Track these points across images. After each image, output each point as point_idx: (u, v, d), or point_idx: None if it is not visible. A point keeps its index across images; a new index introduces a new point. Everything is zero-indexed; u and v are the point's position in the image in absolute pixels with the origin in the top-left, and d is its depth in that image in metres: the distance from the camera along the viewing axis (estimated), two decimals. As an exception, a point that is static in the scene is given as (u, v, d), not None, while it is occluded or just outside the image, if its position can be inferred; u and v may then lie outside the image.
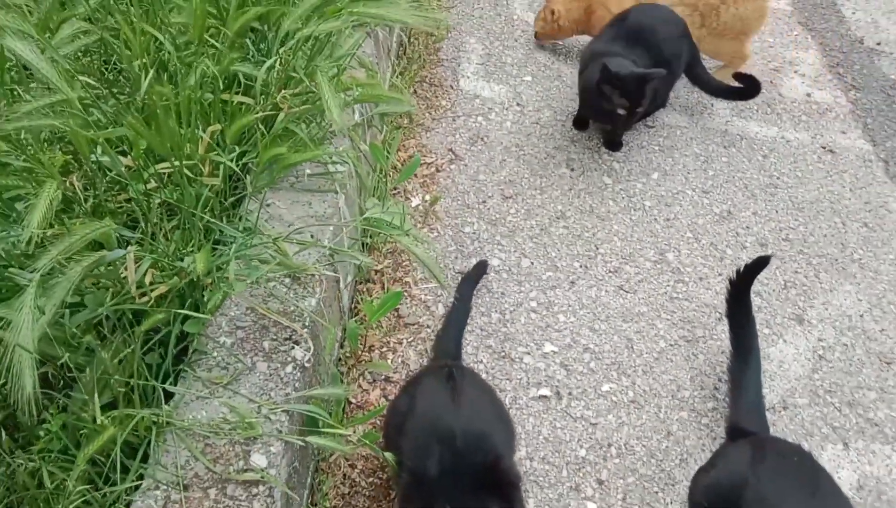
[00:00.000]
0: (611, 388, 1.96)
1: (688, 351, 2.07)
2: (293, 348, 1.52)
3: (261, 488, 1.30)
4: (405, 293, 2.13)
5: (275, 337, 1.53)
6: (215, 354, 1.47)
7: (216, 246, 1.55)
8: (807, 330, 2.16)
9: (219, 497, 1.27)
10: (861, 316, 2.21)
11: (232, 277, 1.34)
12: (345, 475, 1.71)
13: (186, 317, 1.39)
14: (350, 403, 1.85)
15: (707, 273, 2.28)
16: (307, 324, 1.57)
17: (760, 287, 2.25)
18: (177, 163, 1.35)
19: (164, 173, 1.41)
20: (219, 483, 1.29)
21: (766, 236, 2.42)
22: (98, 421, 1.10)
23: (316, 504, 1.62)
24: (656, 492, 1.76)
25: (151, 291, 1.26)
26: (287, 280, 1.63)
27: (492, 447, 1.46)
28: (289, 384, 1.46)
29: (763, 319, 2.16)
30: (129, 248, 1.29)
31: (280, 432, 1.38)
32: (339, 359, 1.93)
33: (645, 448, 1.84)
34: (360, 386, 1.88)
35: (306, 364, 1.51)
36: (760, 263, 1.90)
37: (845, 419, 1.95)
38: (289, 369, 1.48)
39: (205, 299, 1.41)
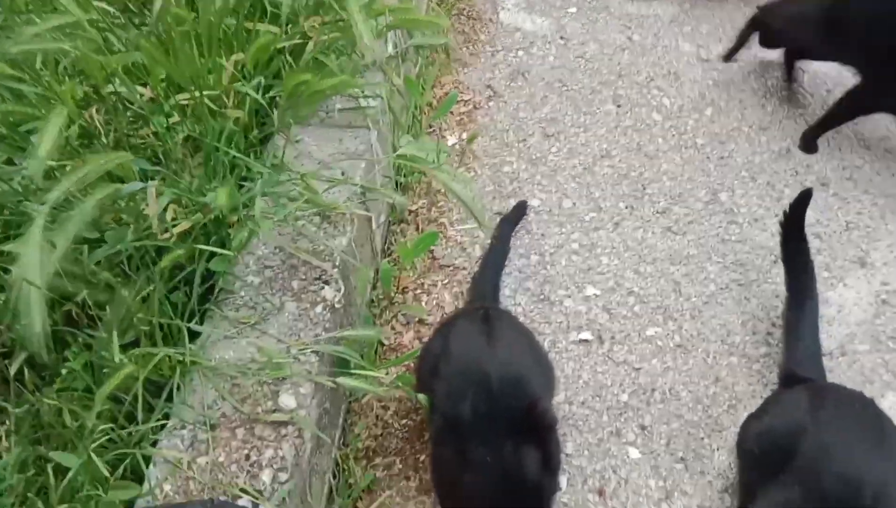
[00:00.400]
0: (656, 332, 1.87)
1: (739, 295, 1.95)
2: (323, 288, 1.47)
3: (289, 428, 1.27)
4: (441, 234, 2.05)
5: (304, 277, 1.48)
6: (243, 293, 1.43)
7: (242, 183, 1.50)
8: (869, 273, 2.02)
9: (247, 437, 1.25)
10: (931, 259, 2.05)
11: (258, 214, 1.28)
12: (377, 416, 1.68)
13: (212, 255, 1.35)
14: (383, 345, 1.81)
15: (762, 214, 2.14)
16: (338, 264, 1.51)
17: (820, 229, 2.10)
18: (197, 94, 1.28)
19: (186, 105, 1.34)
20: (247, 423, 1.27)
21: (827, 175, 2.25)
22: (117, 360, 1.07)
23: (348, 445, 1.60)
24: (702, 438, 1.68)
25: (173, 227, 1.21)
26: (316, 219, 1.57)
27: (527, 390, 1.41)
28: (318, 324, 1.42)
29: (822, 262, 2.01)
30: (150, 182, 1.24)
31: (310, 373, 1.35)
32: (372, 301, 1.88)
33: (691, 394, 1.76)
34: (393, 328, 1.84)
35: (336, 305, 1.46)
36: (804, 198, 1.76)
37: (910, 366, 1.82)
38: (318, 309, 1.44)
39: (230, 236, 1.36)
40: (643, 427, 1.70)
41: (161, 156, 1.39)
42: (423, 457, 1.63)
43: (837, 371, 1.80)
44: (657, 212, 2.14)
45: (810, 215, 2.13)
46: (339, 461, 1.55)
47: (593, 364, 1.81)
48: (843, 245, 2.08)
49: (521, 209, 2.08)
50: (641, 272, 2.00)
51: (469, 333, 1.51)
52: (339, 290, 1.47)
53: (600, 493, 1.59)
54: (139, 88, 1.25)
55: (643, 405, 1.73)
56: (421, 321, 1.86)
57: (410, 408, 1.72)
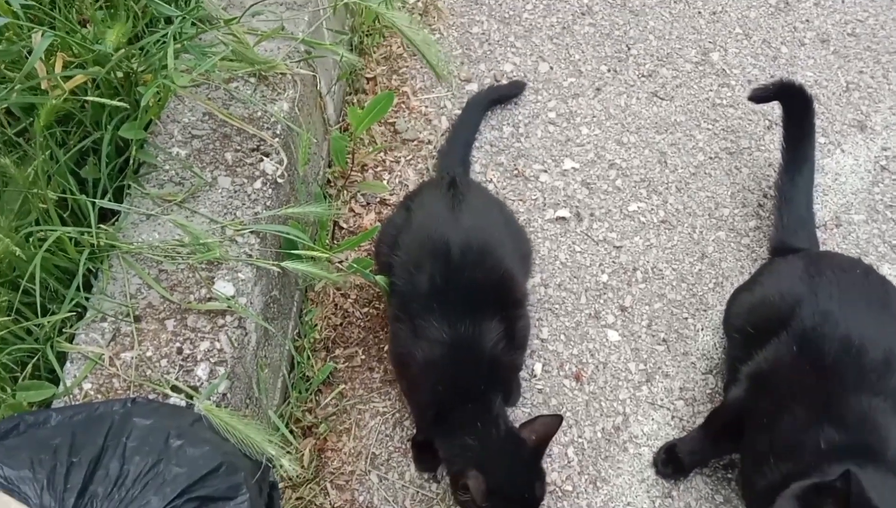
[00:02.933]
0: (639, 207, 1.72)
1: (730, 165, 1.79)
2: (262, 160, 1.27)
3: (228, 318, 1.12)
4: (403, 106, 1.84)
5: (239, 148, 1.28)
6: (167, 167, 1.23)
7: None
8: (869, 138, 1.86)
9: (178, 330, 1.09)
10: (934, 122, 1.89)
11: (171, 64, 1.06)
12: (336, 305, 1.53)
13: (123, 123, 1.14)
14: (341, 228, 1.64)
15: (757, 75, 1.94)
16: (279, 133, 1.31)
17: (818, 90, 1.92)
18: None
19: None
20: (177, 313, 1.10)
21: (828, 31, 2.04)
22: (-5, 241, 0.89)
23: (305, 336, 1.46)
24: (686, 318, 1.57)
25: (64, 81, 0.99)
26: (252, 80, 1.35)
27: (494, 261, 1.26)
28: (258, 201, 1.23)
29: (819, 126, 1.83)
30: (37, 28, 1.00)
31: (250, 256, 1.17)
32: (329, 181, 1.69)
33: (675, 272, 1.63)
34: (352, 210, 1.66)
35: (279, 180, 1.27)
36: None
37: (907, 236, 1.71)
38: (257, 184, 1.25)
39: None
40: (623, 309, 1.58)
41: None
42: (387, 347, 1.50)
43: (831, 243, 1.68)
44: (642, 75, 1.93)
45: (807, 75, 1.95)
46: (295, 353, 1.42)
47: (571, 244, 1.66)
48: (842, 108, 1.90)
49: (516, 87, 1.85)
50: (624, 143, 1.82)
51: (433, 201, 1.33)
52: (280, 163, 1.28)
53: (577, 378, 1.49)
54: None
55: (624, 286, 1.61)
56: (383, 202, 1.69)
57: (373, 296, 1.57)
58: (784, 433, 1.14)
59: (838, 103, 1.91)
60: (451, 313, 1.20)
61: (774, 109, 1.88)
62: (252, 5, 1.26)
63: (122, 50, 0.98)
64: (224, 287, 1.13)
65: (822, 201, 1.75)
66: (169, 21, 1.20)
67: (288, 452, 1.14)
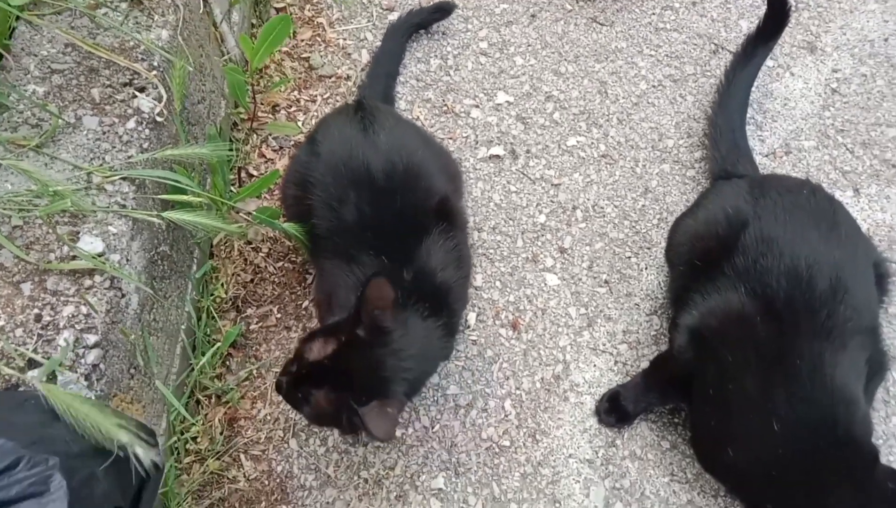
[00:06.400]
0: (578, 142, 1.59)
1: (674, 93, 1.67)
2: (135, 96, 1.10)
3: (97, 279, 0.97)
4: (318, 39, 1.66)
5: (108, 83, 1.11)
6: (21, 107, 1.06)
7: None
8: (819, 60, 1.75)
9: (36, 294, 0.94)
10: (886, 40, 1.79)
11: (1, -18, 0.88)
12: (246, 260, 1.39)
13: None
14: (251, 176, 1.48)
15: (702, -5, 1.81)
16: (158, 65, 1.14)
17: (765, 10, 1.80)
18: None
19: None
20: (34, 275, 0.95)
21: (777, -52, 1.91)
22: None
23: (212, 295, 1.32)
24: (629, 257, 1.47)
25: None
26: (123, 6, 1.17)
27: (425, 182, 1.13)
28: (131, 144, 1.07)
29: (767, 49, 1.73)
30: None
31: (124, 207, 1.02)
32: (235, 124, 1.52)
33: (617, 209, 1.52)
34: (262, 155, 1.50)
35: (158, 119, 1.11)
36: None
37: (858, 161, 1.62)
38: (130, 124, 1.08)
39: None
40: (562, 250, 1.46)
41: None
42: (305, 303, 1.37)
43: (781, 171, 1.58)
44: (580, -1, 1.78)
45: (755, -7, 1.83)
46: (195, 315, 1.27)
47: (506, 183, 1.53)
48: (791, 29, 1.78)
49: (442, 10, 1.67)
50: (562, 73, 1.68)
51: (342, 129, 1.19)
52: (159, 99, 1.11)
53: (514, 327, 1.38)
54: None
55: (563, 226, 1.49)
56: (297, 145, 1.53)
57: (288, 249, 1.43)
58: (735, 416, 1.06)
59: (787, 24, 1.79)
60: (386, 242, 1.07)
61: (721, 32, 1.76)
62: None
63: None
64: (91, 243, 0.98)
65: (772, 128, 1.64)
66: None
67: (188, 426, 1.01)
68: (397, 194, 1.11)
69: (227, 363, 1.30)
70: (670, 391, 1.26)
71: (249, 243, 1.39)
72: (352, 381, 0.97)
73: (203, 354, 1.24)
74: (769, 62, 1.72)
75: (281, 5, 1.66)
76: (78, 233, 0.98)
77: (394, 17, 1.69)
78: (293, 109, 1.57)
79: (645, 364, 1.31)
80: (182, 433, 1.20)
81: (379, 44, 1.62)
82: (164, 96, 1.11)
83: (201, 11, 1.29)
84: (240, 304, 1.35)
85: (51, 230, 0.97)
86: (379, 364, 0.98)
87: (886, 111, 1.69)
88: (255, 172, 1.48)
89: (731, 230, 1.12)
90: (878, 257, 1.19)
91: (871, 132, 1.66)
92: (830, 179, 1.59)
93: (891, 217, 1.55)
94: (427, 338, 1.06)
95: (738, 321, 1.06)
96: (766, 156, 1.60)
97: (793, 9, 1.71)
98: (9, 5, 0.92)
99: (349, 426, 0.98)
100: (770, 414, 1.02)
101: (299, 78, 1.60)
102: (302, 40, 1.64)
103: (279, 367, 1.30)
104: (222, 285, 1.32)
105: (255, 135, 1.51)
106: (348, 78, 1.61)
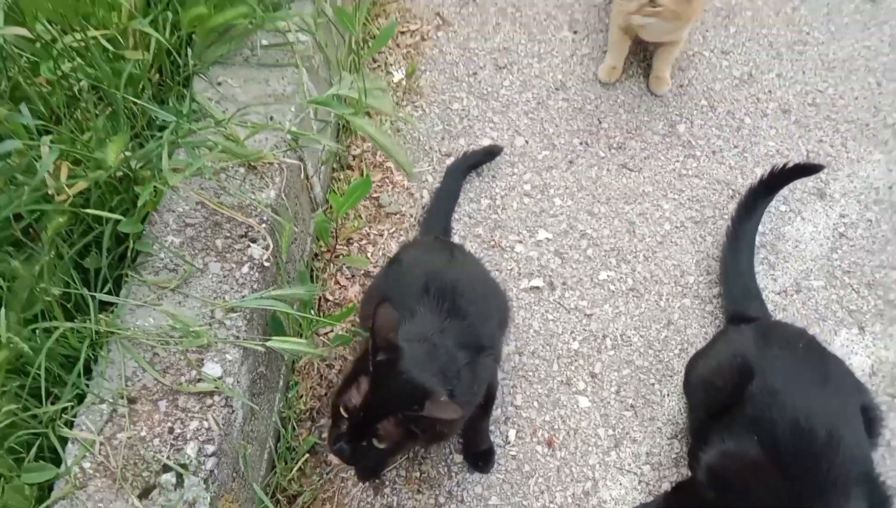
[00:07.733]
0: (608, 276, 1.82)
1: (695, 233, 1.90)
2: (249, 246, 1.38)
3: (216, 398, 1.21)
4: (387, 181, 1.95)
5: (229, 235, 1.39)
6: (162, 255, 1.34)
7: (157, 134, 1.37)
8: (828, 205, 1.97)
9: (170, 410, 1.18)
10: (890, 188, 2.01)
11: (165, 167, 1.17)
12: (321, 375, 1.62)
13: (124, 214, 1.24)
14: (328, 300, 1.74)
15: (721, 146, 2.06)
16: (266, 219, 1.42)
17: (780, 159, 2.03)
18: (89, 33, 1.14)
19: (77, 47, 1.20)
20: (169, 394, 1.20)
21: (789, 101, 2.17)
22: (3, 339, 0.99)
23: (291, 407, 1.55)
24: (652, 384, 1.66)
25: (69, 187, 1.10)
26: (241, 170, 1.46)
27: (489, 301, 1.40)
28: (245, 285, 1.33)
29: (780, 195, 1.95)
30: (43, 139, 1.12)
31: (237, 338, 1.27)
32: (316, 255, 1.79)
33: (643, 339, 1.73)
34: (337, 282, 1.76)
35: (265, 263, 1.37)
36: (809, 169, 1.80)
37: (863, 301, 1.80)
38: (245, 269, 1.35)
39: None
40: (593, 375, 1.67)
41: (59, 107, 1.26)
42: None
43: (791, 309, 1.78)
44: (612, 147, 2.05)
45: (770, 145, 2.08)
46: (281, 426, 1.50)
47: (544, 312, 1.76)
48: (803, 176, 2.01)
49: (491, 152, 1.97)
50: (595, 213, 1.93)
51: (422, 251, 1.49)
52: (267, 247, 1.38)
53: (549, 444, 1.57)
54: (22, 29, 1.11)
55: (594, 353, 1.70)
56: (367, 274, 1.79)
57: (356, 363, 1.66)
58: None
59: (798, 173, 2.02)
60: (437, 317, 1.28)
61: (738, 178, 2.00)
62: (241, 109, 1.38)
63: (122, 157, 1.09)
64: (212, 369, 1.22)
65: (783, 268, 1.85)
66: (162, 128, 1.32)
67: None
68: (464, 300, 1.33)
69: (303, 467, 1.51)
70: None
71: (324, 359, 1.63)
72: (401, 398, 1.12)
73: (285, 461, 1.46)
74: (782, 207, 1.94)
75: (357, 152, 1.97)
76: (203, 360, 1.23)
77: (451, 161, 1.98)
78: (364, 241, 1.84)
79: (666, 486, 1.48)
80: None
81: (438, 185, 1.91)
82: (271, 246, 1.38)
83: (301, 173, 1.59)
84: (314, 415, 1.57)
85: (183, 357, 1.22)
86: (410, 375, 1.14)
87: (890, 254, 1.89)
88: (331, 297, 1.73)
89: (739, 380, 1.31)
90: (868, 402, 1.35)
91: (875, 274, 1.85)
92: (837, 318, 1.77)
93: (894, 355, 1.72)
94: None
95: (753, 467, 1.23)
96: (779, 294, 1.80)
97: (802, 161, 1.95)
98: (167, 184, 1.21)
99: (425, 433, 1.13)
100: None
101: (370, 215, 1.88)
102: (373, 182, 1.93)
103: (345, 471, 1.51)
104: (301, 398, 1.56)
105: (332, 264, 1.78)
106: (411, 215, 1.89)
